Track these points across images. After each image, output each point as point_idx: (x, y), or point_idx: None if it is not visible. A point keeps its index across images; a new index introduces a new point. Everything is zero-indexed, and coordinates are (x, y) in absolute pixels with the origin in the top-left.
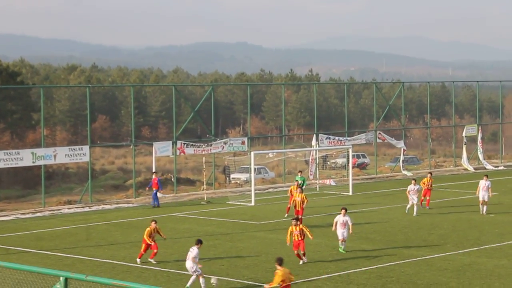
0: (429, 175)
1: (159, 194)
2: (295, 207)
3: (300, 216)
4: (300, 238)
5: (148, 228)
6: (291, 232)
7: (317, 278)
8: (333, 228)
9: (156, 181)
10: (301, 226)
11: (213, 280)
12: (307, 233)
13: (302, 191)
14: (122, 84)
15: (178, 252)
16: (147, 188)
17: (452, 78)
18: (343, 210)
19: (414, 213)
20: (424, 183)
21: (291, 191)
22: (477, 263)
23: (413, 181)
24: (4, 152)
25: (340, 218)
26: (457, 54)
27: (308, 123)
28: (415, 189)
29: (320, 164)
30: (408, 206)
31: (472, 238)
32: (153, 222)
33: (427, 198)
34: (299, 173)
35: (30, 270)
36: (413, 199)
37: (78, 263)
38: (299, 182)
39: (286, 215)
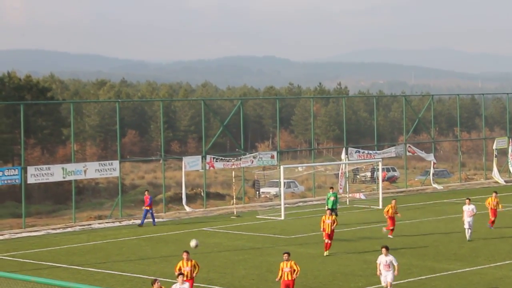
0: (494, 194)
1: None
2: (324, 229)
3: (329, 241)
4: (289, 278)
5: (180, 262)
6: (281, 268)
7: None
8: (378, 272)
9: (148, 199)
10: (292, 262)
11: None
12: (296, 270)
13: (332, 213)
14: (152, 99)
15: (208, 266)
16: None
17: (482, 90)
18: (384, 249)
19: (467, 237)
20: (488, 203)
21: (323, 221)
22: (509, 276)
23: (467, 201)
24: (35, 167)
25: (382, 259)
26: (487, 66)
27: (337, 136)
28: (470, 210)
29: (350, 177)
30: (467, 231)
31: (504, 251)
32: (185, 253)
33: (492, 218)
34: (331, 190)
35: (62, 285)
36: (468, 221)
37: (109, 278)
38: (332, 199)
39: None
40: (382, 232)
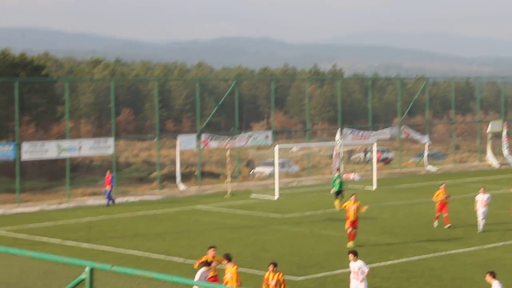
0: None
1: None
2: (348, 217)
3: (354, 230)
4: None
5: (204, 257)
6: (266, 279)
7: (341, 272)
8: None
9: (109, 179)
10: (280, 275)
11: None
12: (283, 285)
13: (356, 199)
14: (146, 78)
15: (202, 244)
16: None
17: (477, 74)
18: (350, 255)
19: (480, 228)
20: None
21: (347, 208)
22: (502, 258)
23: (481, 189)
24: (30, 144)
25: (351, 266)
26: (482, 50)
27: (332, 117)
28: (485, 199)
29: (344, 158)
30: (480, 222)
31: (498, 233)
32: (211, 249)
33: None
34: (337, 172)
35: (56, 260)
36: (483, 211)
37: (103, 254)
38: (339, 181)
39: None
40: (434, 225)
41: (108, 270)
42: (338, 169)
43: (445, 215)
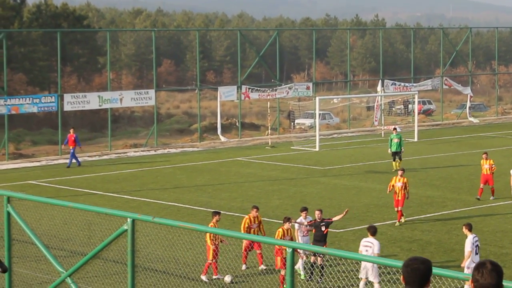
0: None
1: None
2: (394, 194)
3: (399, 208)
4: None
5: (246, 217)
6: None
7: (381, 224)
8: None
9: (73, 138)
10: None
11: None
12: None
13: (403, 174)
14: (188, 28)
15: (242, 196)
16: (63, 146)
17: None
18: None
19: None
20: None
21: (392, 185)
22: None
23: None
24: (72, 95)
25: (362, 243)
26: None
27: (374, 68)
28: None
29: (385, 110)
30: None
31: None
32: (254, 210)
33: None
34: (394, 131)
35: (98, 211)
36: None
37: (144, 206)
38: (396, 141)
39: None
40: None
41: (150, 221)
42: (395, 128)
43: (491, 187)
